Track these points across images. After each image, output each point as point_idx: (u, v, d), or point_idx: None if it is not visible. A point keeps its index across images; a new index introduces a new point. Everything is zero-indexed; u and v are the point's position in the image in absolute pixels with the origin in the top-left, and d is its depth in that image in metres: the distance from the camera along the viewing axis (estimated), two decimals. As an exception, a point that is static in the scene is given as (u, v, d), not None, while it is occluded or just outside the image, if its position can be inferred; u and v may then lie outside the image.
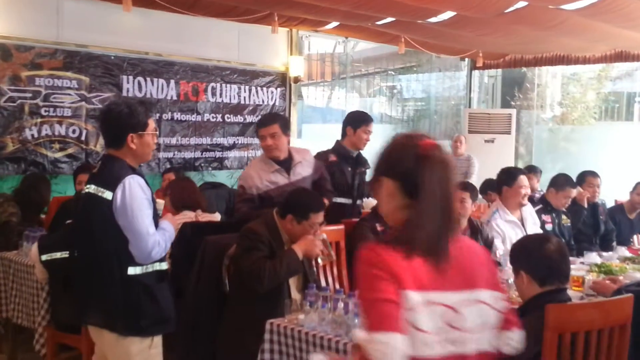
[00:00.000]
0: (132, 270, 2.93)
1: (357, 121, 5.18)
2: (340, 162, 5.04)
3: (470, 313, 1.82)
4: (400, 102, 12.90)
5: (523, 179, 4.99)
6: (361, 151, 5.25)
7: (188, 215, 4.52)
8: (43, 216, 5.56)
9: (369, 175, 5.23)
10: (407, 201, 1.83)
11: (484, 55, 9.44)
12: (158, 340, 3.05)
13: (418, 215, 1.80)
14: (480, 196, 6.81)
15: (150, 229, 2.94)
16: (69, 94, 6.31)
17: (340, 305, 3.04)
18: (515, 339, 1.97)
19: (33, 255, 4.08)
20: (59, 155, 6.29)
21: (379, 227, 4.48)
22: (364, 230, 4.49)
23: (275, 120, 4.45)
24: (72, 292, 3.32)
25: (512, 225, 4.89)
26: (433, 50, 9.03)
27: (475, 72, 10.46)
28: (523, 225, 4.97)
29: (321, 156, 5.08)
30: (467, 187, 4.89)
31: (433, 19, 6.66)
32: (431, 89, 12.38)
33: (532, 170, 6.94)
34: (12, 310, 4.82)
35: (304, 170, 4.40)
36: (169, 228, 3.08)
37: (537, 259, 2.66)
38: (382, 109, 13.13)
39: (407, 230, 1.80)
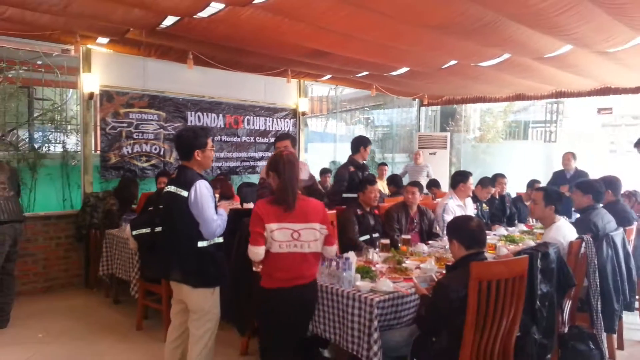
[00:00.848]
0: (201, 244, 2.91)
1: (364, 143, 5.14)
2: (356, 171, 5.05)
3: (305, 233, 2.69)
4: (372, 128, 12.90)
5: (471, 179, 5.13)
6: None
7: (230, 203, 4.52)
8: (134, 206, 5.57)
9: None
10: (277, 180, 2.71)
11: (429, 97, 9.45)
12: (217, 289, 3.04)
13: (279, 186, 2.70)
14: (425, 190, 6.86)
15: (214, 216, 2.92)
16: (152, 124, 6.30)
17: (334, 264, 3.05)
18: (330, 250, 2.82)
19: (127, 231, 4.09)
20: (145, 165, 6.29)
21: (359, 212, 4.52)
22: (349, 214, 4.52)
23: (287, 137, 4.47)
24: (157, 257, 3.33)
25: (460, 208, 4.94)
26: (394, 93, 9.02)
27: (423, 108, 10.42)
28: (465, 209, 5.01)
29: (345, 168, 5.10)
30: (416, 184, 4.92)
31: (394, 72, 6.67)
32: (393, 119, 12.36)
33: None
34: (116, 268, 4.84)
35: (303, 175, 4.31)
36: (224, 213, 3.06)
37: (464, 231, 2.66)
38: (361, 133, 13.11)
39: (277, 193, 2.70)
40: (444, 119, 12.15)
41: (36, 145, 6.16)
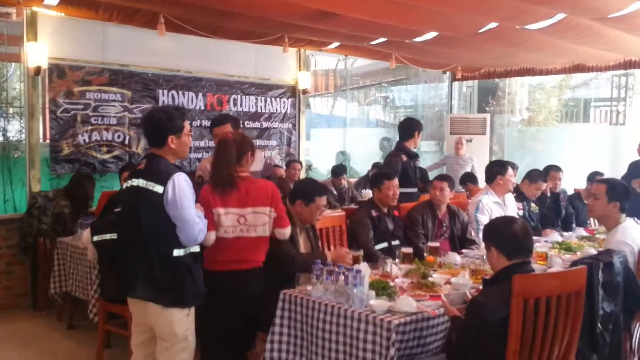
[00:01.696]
0: (176, 252, 2.92)
1: (417, 127, 5.37)
2: (409, 160, 5.22)
3: (251, 217, 3.26)
4: (392, 109, 12.89)
5: (511, 171, 5.13)
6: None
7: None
8: (92, 209, 5.59)
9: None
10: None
11: (463, 69, 9.42)
12: (192, 311, 3.05)
13: (212, 165, 3.36)
14: (459, 187, 6.85)
15: (196, 217, 2.93)
16: (114, 106, 6.32)
17: (341, 277, 3.05)
18: (282, 232, 3.42)
19: (85, 238, 4.08)
20: (106, 156, 6.30)
21: (374, 213, 4.54)
22: (362, 215, 4.55)
23: (227, 120, 4.34)
24: (119, 270, 3.33)
25: (498, 206, 4.94)
26: (419, 65, 9.00)
27: (455, 83, 10.40)
28: (505, 207, 5.00)
29: (397, 156, 5.26)
30: (446, 178, 4.92)
31: (418, 39, 6.65)
32: (418, 98, 12.36)
33: (512, 167, 6.92)
34: (71, 285, 4.88)
35: (255, 166, 4.03)
36: (202, 215, 3.05)
37: (505, 237, 2.65)
38: (378, 116, 13.12)
39: (212, 172, 3.34)
40: (483, 97, 12.11)
41: (-31, 134, 6.22)
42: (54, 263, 5.00)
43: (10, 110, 6.45)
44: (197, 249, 3.04)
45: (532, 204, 5.61)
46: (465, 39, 6.60)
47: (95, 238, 3.91)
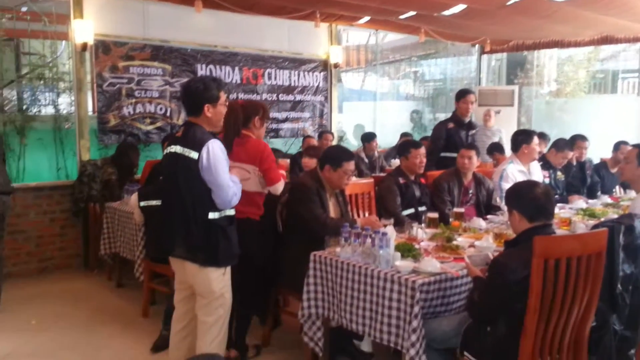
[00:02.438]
0: (212, 215, 2.96)
1: (457, 95, 5.82)
2: (457, 128, 5.65)
3: (235, 172, 3.23)
4: (422, 83, 12.70)
5: (537, 139, 5.05)
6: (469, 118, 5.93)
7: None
8: (137, 176, 5.72)
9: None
10: None
11: (491, 42, 9.16)
12: (228, 270, 3.10)
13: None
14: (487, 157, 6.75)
15: (230, 182, 2.96)
16: (156, 80, 6.39)
17: (368, 240, 3.06)
18: (272, 188, 3.50)
19: (132, 202, 4.19)
20: (149, 128, 6.41)
21: (401, 181, 4.52)
22: (390, 183, 4.52)
23: None
24: (161, 230, 3.40)
25: (522, 174, 4.85)
26: (448, 38, 8.80)
27: (484, 56, 10.16)
28: (530, 175, 4.92)
29: (442, 124, 5.83)
30: (473, 147, 4.84)
31: (447, 12, 6.49)
32: (447, 71, 12.12)
33: (542, 137, 6.71)
34: (119, 246, 5.02)
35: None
36: (237, 181, 3.08)
37: (527, 200, 2.61)
38: (408, 90, 12.95)
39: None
40: (511, 70, 11.81)
41: (24, 107, 6.36)
42: (103, 226, 5.16)
43: (61, 85, 6.57)
44: (232, 212, 3.07)
45: (559, 173, 5.49)
46: (493, 12, 6.41)
47: (142, 203, 4.04)
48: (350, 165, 3.74)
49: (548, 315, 2.46)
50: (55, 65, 6.74)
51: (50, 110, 6.46)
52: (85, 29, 5.74)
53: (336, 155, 3.77)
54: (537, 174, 5.05)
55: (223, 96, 3.04)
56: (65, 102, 6.48)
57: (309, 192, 3.65)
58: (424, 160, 4.54)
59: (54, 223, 5.77)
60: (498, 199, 4.78)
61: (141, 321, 4.45)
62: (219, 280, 3.05)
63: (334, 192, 3.88)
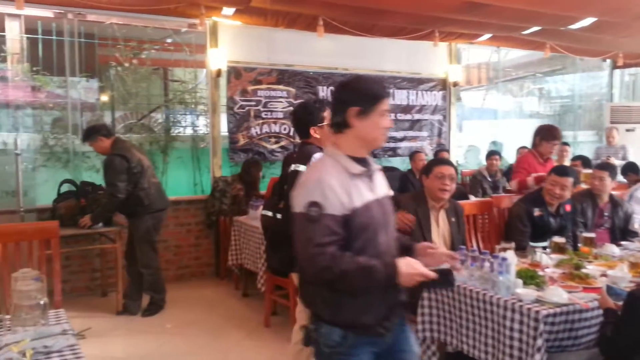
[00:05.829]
0: None
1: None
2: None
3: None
4: (548, 100, 11.93)
5: None
6: None
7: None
8: (262, 192, 5.89)
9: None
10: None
11: (624, 56, 8.32)
12: None
13: None
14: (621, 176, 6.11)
15: None
16: (281, 101, 6.58)
17: (486, 264, 2.84)
18: None
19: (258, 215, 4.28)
20: (274, 146, 6.59)
21: (536, 213, 3.93)
22: (520, 211, 4.03)
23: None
24: (282, 246, 3.40)
25: None
26: (576, 53, 8.14)
27: (617, 71, 9.29)
28: None
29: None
30: (607, 167, 4.36)
31: (575, 26, 5.99)
32: (575, 88, 11.26)
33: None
34: (244, 258, 5.16)
35: None
36: None
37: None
38: (532, 108, 12.27)
39: None
40: (647, 85, 10.68)
41: (168, 128, 6.86)
42: (231, 238, 5.33)
43: (199, 108, 7.00)
44: None
45: None
46: (627, 23, 5.82)
47: (262, 212, 4.07)
48: (442, 169, 3.45)
49: (699, 361, 2.09)
50: (194, 91, 7.20)
51: (189, 131, 6.90)
52: (219, 57, 6.07)
53: (429, 163, 3.67)
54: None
55: (328, 116, 2.99)
56: (201, 124, 6.89)
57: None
58: (566, 193, 3.87)
59: (190, 234, 6.11)
60: (636, 225, 4.26)
61: (263, 330, 4.54)
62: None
63: (443, 208, 3.58)
